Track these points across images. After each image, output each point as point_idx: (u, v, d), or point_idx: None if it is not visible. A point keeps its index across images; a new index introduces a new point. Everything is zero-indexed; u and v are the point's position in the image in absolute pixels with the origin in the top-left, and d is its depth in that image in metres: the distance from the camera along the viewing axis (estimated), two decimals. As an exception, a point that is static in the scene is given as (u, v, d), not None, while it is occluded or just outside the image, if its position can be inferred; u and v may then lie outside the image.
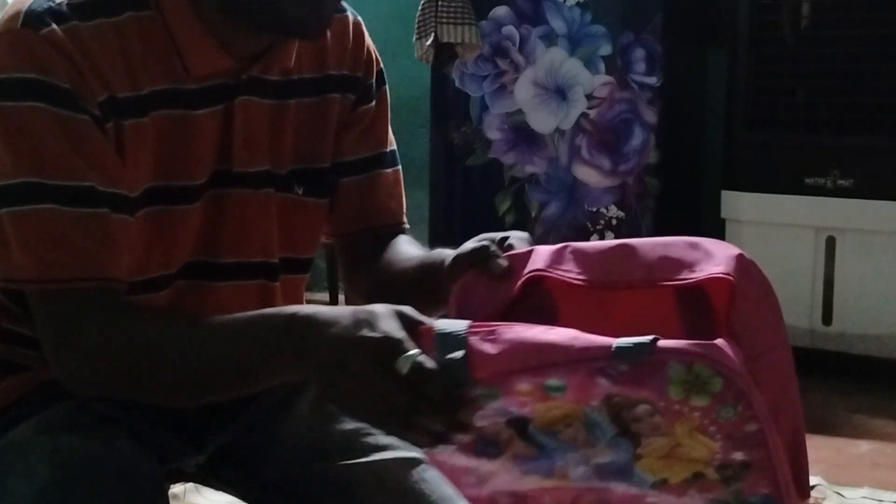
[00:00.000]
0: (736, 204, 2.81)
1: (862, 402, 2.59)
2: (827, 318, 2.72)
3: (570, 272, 1.00)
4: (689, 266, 1.01)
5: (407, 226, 1.28)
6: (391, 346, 0.89)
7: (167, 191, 1.08)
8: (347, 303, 1.30)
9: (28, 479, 1.01)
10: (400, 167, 1.28)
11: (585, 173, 2.88)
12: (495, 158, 2.96)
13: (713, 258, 1.00)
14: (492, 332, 0.91)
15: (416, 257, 1.23)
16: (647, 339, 0.87)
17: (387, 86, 1.26)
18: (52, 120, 1.00)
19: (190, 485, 1.81)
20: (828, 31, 2.69)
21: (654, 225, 2.86)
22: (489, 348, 0.90)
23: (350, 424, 1.23)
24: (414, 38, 2.95)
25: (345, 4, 1.22)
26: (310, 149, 1.18)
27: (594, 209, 2.88)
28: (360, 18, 1.24)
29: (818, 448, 2.30)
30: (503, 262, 1.04)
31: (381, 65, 1.25)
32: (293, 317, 0.95)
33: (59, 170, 1.00)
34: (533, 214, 2.94)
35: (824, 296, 2.72)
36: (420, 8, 2.93)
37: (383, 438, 1.21)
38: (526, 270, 1.02)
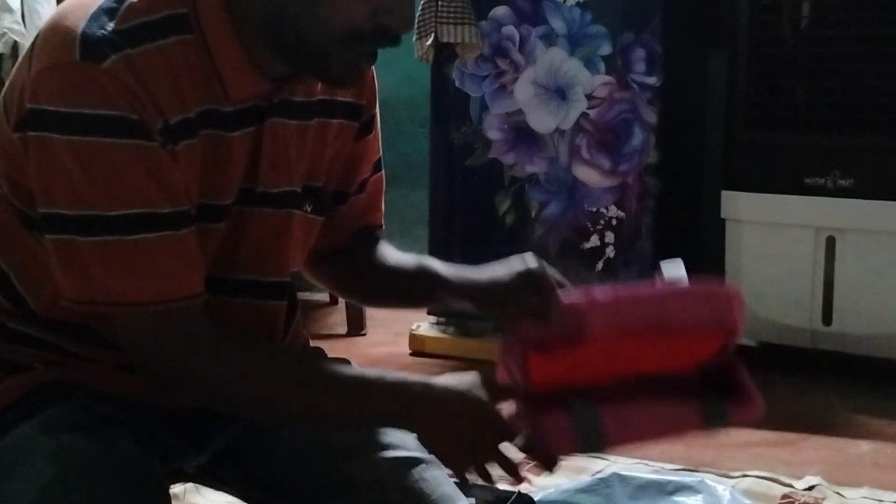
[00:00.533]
0: (736, 204, 2.81)
1: (862, 402, 2.59)
2: (827, 318, 2.72)
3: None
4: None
5: (383, 226, 1.35)
6: (501, 433, 1.11)
7: (203, 209, 1.09)
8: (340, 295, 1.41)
9: (30, 478, 1.01)
10: (383, 171, 1.33)
11: (585, 173, 2.88)
12: (495, 158, 2.96)
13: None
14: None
15: (408, 267, 1.29)
16: None
17: (377, 109, 1.30)
18: (126, 151, 1.01)
19: (190, 485, 1.80)
20: (828, 31, 2.69)
21: (654, 225, 2.86)
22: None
23: None
24: (414, 38, 2.95)
25: None
26: (313, 167, 1.20)
27: (594, 209, 2.88)
28: None
29: (818, 448, 2.30)
30: (558, 315, 1.18)
31: (375, 82, 1.29)
32: (409, 393, 1.10)
33: (134, 199, 1.02)
34: (533, 214, 2.94)
35: (824, 296, 2.72)
36: (420, 8, 2.93)
37: (383, 438, 1.21)
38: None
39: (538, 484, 2.01)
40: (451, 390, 1.10)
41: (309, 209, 1.20)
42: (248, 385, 1.07)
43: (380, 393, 1.09)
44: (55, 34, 1.03)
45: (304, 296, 3.82)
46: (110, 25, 1.01)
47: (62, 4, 1.07)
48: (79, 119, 1.00)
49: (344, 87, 1.16)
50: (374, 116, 1.28)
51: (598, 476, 1.98)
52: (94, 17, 1.01)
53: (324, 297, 3.73)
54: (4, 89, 1.09)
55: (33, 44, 1.05)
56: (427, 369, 2.86)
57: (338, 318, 3.41)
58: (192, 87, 1.06)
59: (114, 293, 1.03)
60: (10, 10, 3.27)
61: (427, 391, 1.09)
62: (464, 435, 1.09)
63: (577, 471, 2.08)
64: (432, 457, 1.18)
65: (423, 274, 1.27)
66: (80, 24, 1.01)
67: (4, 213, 1.10)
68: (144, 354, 1.06)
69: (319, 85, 1.17)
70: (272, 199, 1.14)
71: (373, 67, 1.25)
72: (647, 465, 2.13)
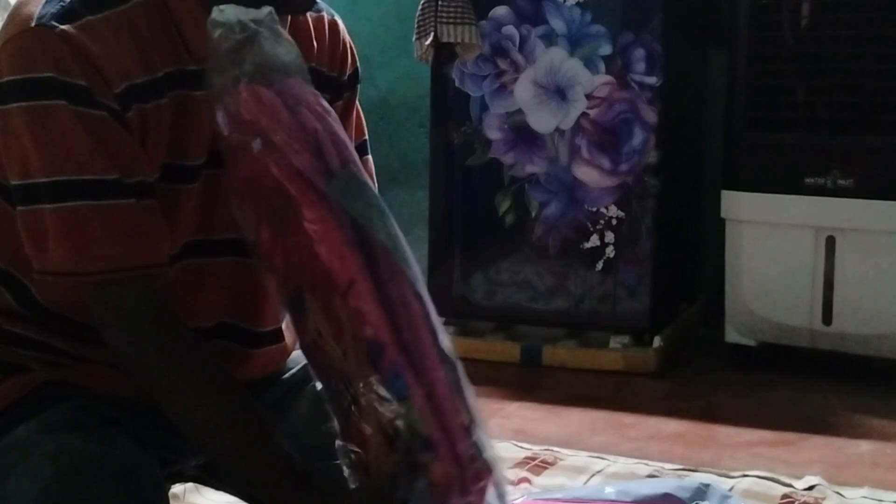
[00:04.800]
0: (736, 204, 2.81)
1: (862, 402, 2.59)
2: (827, 318, 2.72)
3: None
4: None
5: None
6: None
7: (173, 169, 1.10)
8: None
9: (29, 479, 1.01)
10: (370, 157, 1.34)
11: (585, 173, 2.88)
12: (495, 158, 2.96)
13: None
14: None
15: None
16: None
17: (359, 86, 1.31)
18: (73, 117, 1.02)
19: (190, 485, 1.80)
20: (828, 31, 2.68)
21: (654, 225, 2.86)
22: None
23: None
24: (414, 38, 2.95)
25: (322, 4, 1.25)
26: None
27: (594, 209, 2.88)
28: (337, 18, 1.28)
29: (818, 448, 2.30)
30: None
31: (358, 63, 1.29)
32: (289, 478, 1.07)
33: (84, 166, 1.02)
34: (533, 214, 2.94)
35: (824, 296, 2.72)
36: (420, 8, 2.93)
37: None
38: None
39: (538, 484, 2.01)
40: None
41: None
42: (156, 377, 1.07)
43: (264, 469, 1.08)
44: (15, 17, 1.05)
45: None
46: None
47: None
48: (29, 83, 1.02)
49: (295, 8, 1.16)
50: (343, 84, 1.28)
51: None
52: None
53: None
54: None
55: None
56: (427, 369, 2.85)
57: (338, 318, 3.40)
58: (156, 48, 1.07)
59: (64, 263, 1.03)
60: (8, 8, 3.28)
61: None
62: None
63: (577, 471, 2.08)
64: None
65: None
66: (38, 4, 1.04)
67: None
68: (101, 326, 1.07)
69: None
70: None
71: (348, 43, 1.28)
72: (646, 464, 2.13)
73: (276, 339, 1.28)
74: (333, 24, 1.26)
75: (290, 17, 1.20)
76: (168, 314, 1.08)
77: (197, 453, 1.20)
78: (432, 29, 2.89)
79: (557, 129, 2.89)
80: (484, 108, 2.94)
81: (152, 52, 1.07)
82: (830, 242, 2.70)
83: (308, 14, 1.23)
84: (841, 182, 2.66)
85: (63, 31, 1.01)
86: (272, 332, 1.28)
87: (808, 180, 2.70)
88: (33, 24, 1.02)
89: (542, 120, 2.90)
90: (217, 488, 1.31)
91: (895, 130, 2.62)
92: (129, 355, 1.07)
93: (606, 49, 2.83)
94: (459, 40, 2.88)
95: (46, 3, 1.03)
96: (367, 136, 1.35)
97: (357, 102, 1.33)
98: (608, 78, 2.83)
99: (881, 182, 2.63)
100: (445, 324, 3.51)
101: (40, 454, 1.02)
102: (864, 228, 2.66)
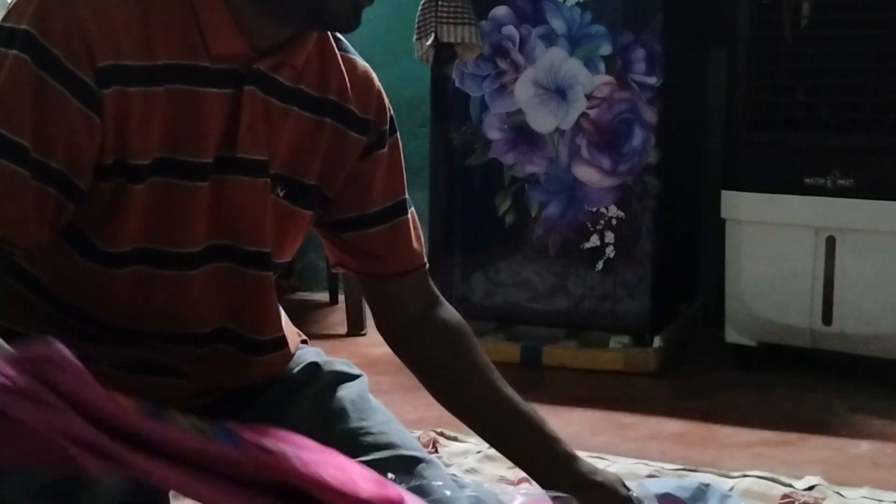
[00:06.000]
0: (736, 204, 2.81)
1: (862, 402, 2.59)
2: (827, 318, 2.72)
3: None
4: None
5: (427, 265, 1.37)
6: None
7: (175, 164, 1.10)
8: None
9: (27, 482, 1.01)
10: (413, 210, 1.35)
11: (585, 173, 2.88)
12: (495, 158, 2.96)
13: None
14: None
15: (511, 402, 1.39)
16: None
17: (398, 135, 1.31)
18: (30, 75, 1.02)
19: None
20: (828, 31, 2.68)
21: (654, 225, 2.86)
22: None
23: (348, 424, 1.24)
24: (414, 38, 2.95)
25: (353, 51, 1.27)
26: (300, 162, 1.21)
27: (594, 209, 2.88)
28: (370, 68, 1.28)
29: (818, 448, 2.30)
30: None
31: (392, 113, 1.30)
32: None
33: (7, 121, 1.01)
34: (533, 214, 2.94)
35: (824, 296, 2.72)
36: (420, 8, 2.93)
37: (383, 437, 1.21)
38: None
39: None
40: None
41: (280, 194, 1.20)
42: None
43: None
44: None
45: (303, 295, 3.82)
46: None
47: None
48: (7, 32, 1.03)
49: (345, 28, 1.15)
50: (386, 135, 1.28)
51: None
52: None
53: (324, 296, 3.73)
54: None
55: None
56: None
57: (338, 318, 3.41)
58: (163, 38, 1.07)
59: None
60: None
61: None
62: None
63: (577, 471, 2.08)
64: (432, 457, 1.18)
65: (530, 425, 1.37)
66: None
67: None
68: None
69: (304, 76, 1.18)
70: (250, 165, 1.15)
71: (384, 94, 1.28)
72: (646, 465, 2.13)
73: (277, 347, 1.28)
74: (366, 71, 1.27)
75: (318, 43, 1.20)
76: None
77: None
78: (433, 29, 2.89)
79: (557, 129, 2.89)
80: (484, 108, 2.94)
81: (158, 39, 1.07)
82: (830, 242, 2.70)
83: (339, 53, 1.23)
84: (841, 182, 2.66)
85: None
86: (273, 340, 1.28)
87: (808, 180, 2.70)
88: None
89: (542, 120, 2.90)
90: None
91: (895, 130, 2.62)
92: None
93: (606, 49, 2.83)
94: (459, 40, 2.88)
95: None
96: (406, 195, 1.34)
97: (402, 158, 1.33)
98: (608, 78, 2.83)
99: (881, 182, 2.63)
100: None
101: None
102: (864, 228, 2.66)
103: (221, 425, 0.85)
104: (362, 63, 1.27)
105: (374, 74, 1.28)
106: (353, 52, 1.27)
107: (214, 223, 1.15)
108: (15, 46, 1.02)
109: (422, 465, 1.19)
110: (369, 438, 1.22)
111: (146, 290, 1.15)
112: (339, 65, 1.23)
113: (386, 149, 1.28)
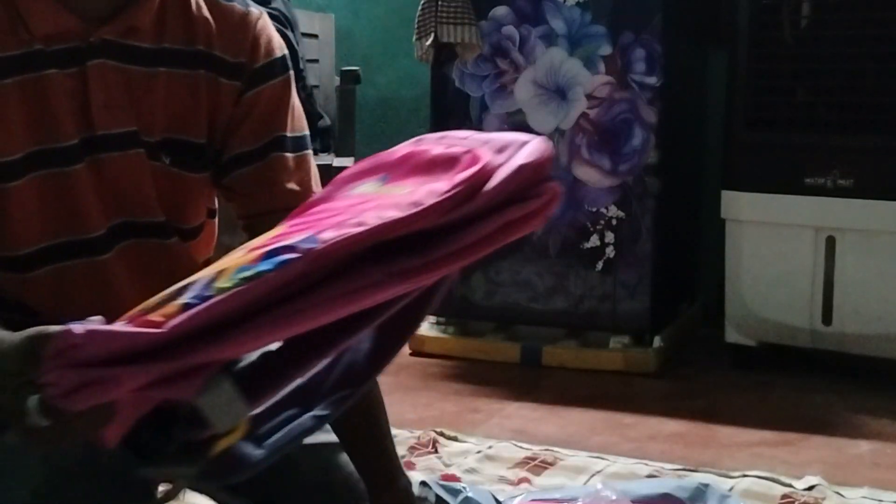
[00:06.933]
0: (736, 204, 2.81)
1: (862, 402, 2.59)
2: (827, 318, 2.72)
3: None
4: None
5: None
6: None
7: (45, 154, 1.10)
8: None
9: (21, 481, 1.01)
10: (308, 152, 1.26)
11: (585, 173, 2.88)
12: (495, 158, 2.95)
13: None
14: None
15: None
16: None
17: (288, 75, 1.25)
18: None
19: (190, 485, 1.80)
20: (828, 31, 2.68)
21: (654, 225, 2.86)
22: None
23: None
24: (414, 38, 2.95)
25: (247, 1, 1.23)
26: (182, 121, 1.19)
27: (594, 209, 2.88)
28: (253, 11, 1.24)
29: (818, 448, 2.30)
30: None
31: (280, 55, 1.24)
32: None
33: None
34: (533, 214, 2.94)
35: (824, 296, 2.72)
36: (420, 8, 2.93)
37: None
38: None
39: (538, 484, 2.01)
40: None
41: (167, 161, 1.18)
42: None
43: None
44: None
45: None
46: None
47: None
48: None
49: None
50: (258, 71, 1.22)
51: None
52: None
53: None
54: None
55: None
56: (427, 369, 2.86)
57: (338, 318, 3.41)
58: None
59: None
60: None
61: None
62: None
63: (577, 471, 2.09)
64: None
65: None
66: None
67: None
68: None
69: (166, 34, 1.17)
70: (115, 140, 1.14)
71: (266, 35, 1.24)
72: (646, 465, 2.13)
73: None
74: (243, 15, 1.23)
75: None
76: None
77: None
78: (432, 29, 2.89)
79: (557, 129, 2.89)
80: (484, 108, 2.94)
81: None
82: (830, 242, 2.70)
83: (204, 2, 1.20)
84: (841, 182, 2.66)
85: None
86: None
87: (808, 180, 2.70)
88: None
89: (542, 120, 2.90)
90: (201, 491, 1.31)
91: (895, 130, 2.62)
92: None
93: (606, 49, 2.83)
94: (459, 40, 2.88)
95: None
96: (306, 132, 1.27)
97: (293, 98, 1.26)
98: (608, 78, 2.84)
99: (881, 182, 2.63)
100: (445, 324, 3.49)
101: (32, 456, 1.02)
102: (864, 228, 2.66)
103: (268, 252, 0.82)
104: (240, 8, 1.23)
105: (255, 16, 1.23)
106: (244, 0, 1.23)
107: (105, 202, 1.14)
108: None
109: (333, 447, 1.20)
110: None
111: (68, 285, 1.15)
112: (204, 13, 1.20)
113: (262, 88, 1.22)
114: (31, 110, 1.09)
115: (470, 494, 1.68)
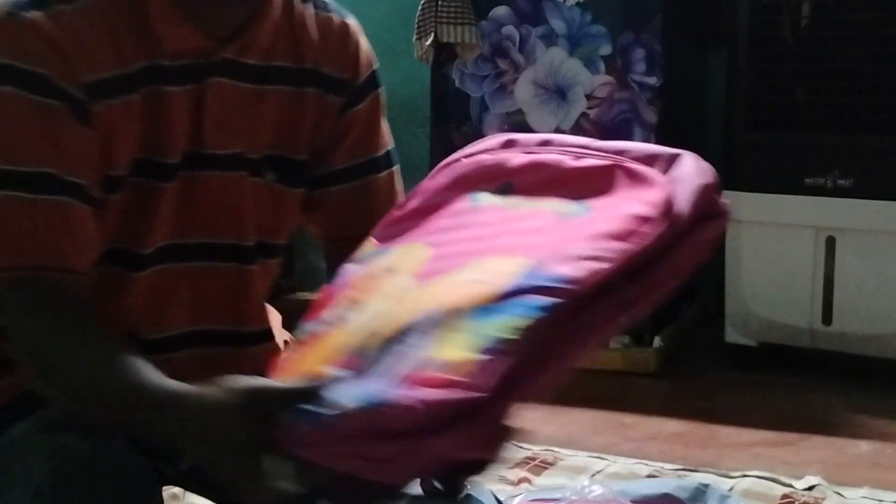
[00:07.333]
0: (736, 204, 2.79)
1: (862, 402, 2.59)
2: (827, 318, 2.72)
3: None
4: None
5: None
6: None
7: (148, 164, 1.09)
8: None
9: (25, 478, 1.01)
10: (396, 167, 1.27)
11: (585, 173, 2.88)
12: (495, 158, 2.95)
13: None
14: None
15: None
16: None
17: (381, 89, 1.26)
18: (22, 105, 1.00)
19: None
20: (828, 31, 2.68)
21: (654, 225, 2.86)
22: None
23: None
24: (414, 38, 2.95)
25: (333, 5, 1.23)
26: (287, 138, 1.18)
27: (594, 209, 2.88)
28: (350, 21, 1.24)
29: (818, 448, 2.30)
30: None
31: (375, 67, 1.25)
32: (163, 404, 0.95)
33: (21, 156, 1.00)
34: (533, 214, 2.94)
35: (824, 296, 2.72)
36: (420, 8, 2.93)
37: None
38: None
39: (538, 484, 2.01)
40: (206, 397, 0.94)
41: (273, 178, 1.18)
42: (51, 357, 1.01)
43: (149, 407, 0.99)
44: None
45: (304, 295, 3.82)
46: None
47: None
48: None
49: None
50: (361, 92, 1.23)
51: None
52: None
53: (324, 297, 3.73)
54: None
55: None
56: (427, 369, 2.85)
57: (338, 318, 3.40)
58: (130, 42, 1.06)
59: None
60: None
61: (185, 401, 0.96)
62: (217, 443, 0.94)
63: (577, 471, 2.09)
64: None
65: None
66: None
67: None
68: (8, 329, 1.03)
69: (276, 51, 1.16)
70: (220, 161, 1.13)
71: (364, 47, 1.24)
72: (646, 465, 2.13)
73: (263, 339, 1.26)
74: (344, 27, 1.23)
75: (285, 12, 1.17)
76: (90, 312, 1.04)
77: (182, 457, 1.20)
78: (432, 29, 2.89)
79: (557, 130, 2.88)
80: (484, 108, 2.94)
81: (125, 45, 1.05)
82: (830, 242, 2.70)
83: (313, 14, 1.20)
84: (841, 182, 2.66)
85: (31, 19, 1.01)
86: (259, 332, 1.25)
87: (808, 180, 2.70)
88: (5, 13, 1.01)
89: (542, 120, 2.89)
90: (201, 494, 1.31)
91: (895, 130, 2.62)
92: (37, 351, 1.01)
93: (606, 49, 2.83)
94: (459, 40, 2.88)
95: None
96: (392, 145, 1.28)
97: (383, 112, 1.27)
98: (608, 78, 2.83)
99: (881, 182, 2.63)
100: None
101: (36, 454, 1.02)
102: (864, 228, 2.66)
103: (511, 294, 0.82)
104: (338, 18, 1.23)
105: (352, 25, 1.23)
106: (332, 6, 1.23)
107: (179, 222, 1.13)
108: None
109: None
110: None
111: (106, 291, 1.14)
112: (312, 27, 1.19)
113: (362, 105, 1.23)
114: (148, 124, 1.08)
115: (471, 493, 1.68)
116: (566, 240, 0.87)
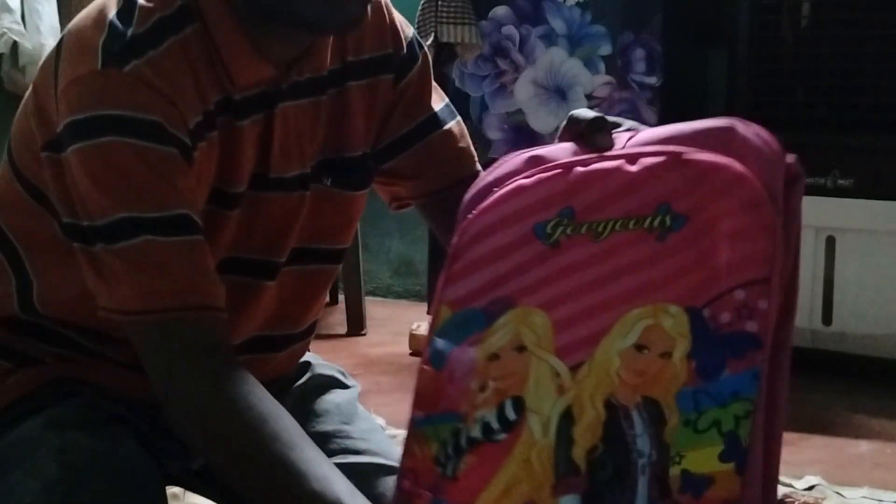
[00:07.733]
0: (736, 204, 2.81)
1: (862, 402, 2.59)
2: (827, 318, 2.72)
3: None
4: None
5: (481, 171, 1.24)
6: None
7: (218, 195, 1.09)
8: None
9: (34, 475, 1.01)
10: (459, 118, 1.26)
11: (585, 173, 2.88)
12: (495, 158, 2.94)
13: None
14: None
15: None
16: None
17: (425, 50, 1.24)
18: (136, 153, 0.99)
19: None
20: (828, 31, 2.69)
21: (654, 225, 2.86)
22: None
23: (328, 426, 1.23)
24: (414, 38, 2.95)
25: None
26: (337, 140, 1.18)
27: (594, 209, 2.88)
28: None
29: (818, 448, 2.29)
30: (608, 141, 1.02)
31: (412, 33, 1.23)
32: None
33: (149, 201, 1.00)
34: (533, 214, 2.94)
35: (824, 296, 2.72)
36: (420, 8, 2.93)
37: (362, 444, 1.21)
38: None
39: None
40: None
41: (328, 182, 1.17)
42: (222, 423, 1.01)
43: None
44: (75, 50, 1.03)
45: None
46: (129, 31, 1.01)
47: (74, 22, 1.06)
48: (98, 121, 0.99)
49: (334, 31, 1.10)
50: (406, 59, 1.21)
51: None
52: (111, 25, 1.01)
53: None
54: (21, 111, 1.10)
55: (56, 62, 1.04)
56: (427, 369, 2.85)
57: (338, 318, 3.40)
58: (206, 80, 1.05)
59: (129, 300, 1.00)
60: (9, 10, 3.27)
61: None
62: None
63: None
64: None
65: None
66: (99, 35, 1.01)
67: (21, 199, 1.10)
68: (156, 375, 1.03)
69: (328, 57, 1.15)
70: (285, 183, 1.13)
71: (397, 17, 1.22)
72: (647, 464, 2.13)
73: (302, 337, 1.26)
74: (377, 4, 1.20)
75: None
76: (233, 358, 1.04)
77: (193, 457, 1.20)
78: (432, 29, 2.89)
79: (557, 129, 2.88)
80: (484, 108, 2.95)
81: (203, 83, 1.05)
82: (830, 242, 2.70)
83: None
84: (841, 182, 2.66)
85: (134, 68, 0.99)
86: (303, 331, 1.25)
87: (807, 180, 2.69)
88: (100, 66, 0.99)
89: (542, 120, 2.90)
90: (203, 494, 1.30)
91: (895, 130, 2.62)
92: (193, 397, 1.01)
93: (606, 49, 2.83)
94: (459, 40, 2.88)
95: (107, 36, 1.01)
96: (447, 100, 1.26)
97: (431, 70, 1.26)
98: (608, 78, 2.84)
99: (881, 182, 2.63)
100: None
101: (46, 451, 1.02)
102: (864, 228, 2.66)
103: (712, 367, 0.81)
104: None
105: (383, 2, 1.20)
106: None
107: (244, 239, 1.13)
108: (106, 133, 0.99)
109: (395, 476, 1.18)
110: (347, 442, 1.21)
111: None
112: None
113: (413, 72, 1.21)
114: (221, 157, 1.07)
115: None
116: (691, 266, 0.82)
